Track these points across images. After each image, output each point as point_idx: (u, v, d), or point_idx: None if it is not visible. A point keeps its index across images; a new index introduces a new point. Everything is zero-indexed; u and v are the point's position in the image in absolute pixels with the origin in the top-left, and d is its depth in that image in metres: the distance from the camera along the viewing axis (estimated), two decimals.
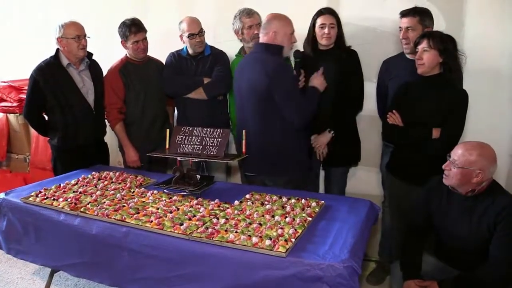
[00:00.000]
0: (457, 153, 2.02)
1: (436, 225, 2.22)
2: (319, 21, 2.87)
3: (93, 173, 2.88)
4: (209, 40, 3.28)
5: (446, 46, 2.39)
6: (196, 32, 3.08)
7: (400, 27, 2.77)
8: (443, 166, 2.09)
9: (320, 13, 2.89)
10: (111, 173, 2.88)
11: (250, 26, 3.07)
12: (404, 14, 2.74)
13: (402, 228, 2.52)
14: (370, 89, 3.09)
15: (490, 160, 1.99)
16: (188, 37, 3.08)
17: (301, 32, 2.94)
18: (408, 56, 2.79)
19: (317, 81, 2.71)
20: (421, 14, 2.69)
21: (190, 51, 3.18)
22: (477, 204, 2.05)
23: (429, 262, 2.24)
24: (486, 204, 2.02)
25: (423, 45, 2.41)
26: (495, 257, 1.97)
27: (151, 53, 3.28)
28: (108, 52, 3.34)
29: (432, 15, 2.74)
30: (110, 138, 3.41)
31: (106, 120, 3.29)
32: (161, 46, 3.36)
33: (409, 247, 2.25)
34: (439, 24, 2.93)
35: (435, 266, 2.23)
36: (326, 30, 2.85)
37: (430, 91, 2.45)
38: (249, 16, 3.08)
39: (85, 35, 3.04)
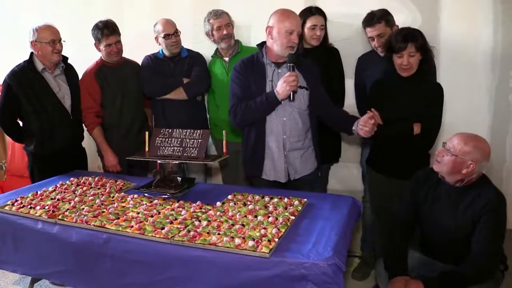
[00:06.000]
0: (453, 141, 2.02)
1: (422, 217, 2.21)
2: (309, 21, 2.85)
3: (72, 179, 2.82)
4: (186, 41, 3.25)
5: (424, 44, 2.41)
6: (171, 32, 3.05)
7: (370, 37, 2.79)
8: (436, 153, 2.09)
9: (311, 13, 2.87)
10: (90, 178, 2.83)
11: (218, 27, 3.06)
12: (368, 24, 2.75)
13: (383, 222, 2.52)
14: (349, 85, 3.10)
15: (483, 154, 1.98)
16: (164, 37, 3.06)
17: None
18: (381, 54, 2.80)
19: (280, 86, 2.39)
20: (384, 17, 2.71)
21: (166, 53, 3.15)
22: (464, 196, 2.05)
23: (414, 257, 2.23)
24: (472, 196, 2.03)
25: (410, 50, 2.37)
26: (476, 251, 1.98)
27: (126, 55, 3.23)
28: (84, 55, 3.28)
29: (390, 12, 2.76)
30: (88, 142, 3.35)
31: (83, 125, 3.23)
32: (137, 49, 3.32)
33: (394, 244, 2.22)
34: (416, 20, 2.96)
35: (420, 261, 2.23)
36: (317, 32, 2.87)
37: (407, 86, 2.47)
38: (217, 17, 3.07)
39: (60, 40, 2.97)
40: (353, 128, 2.47)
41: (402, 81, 2.48)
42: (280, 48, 2.44)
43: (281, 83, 2.38)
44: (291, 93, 2.40)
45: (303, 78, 2.52)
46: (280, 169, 2.57)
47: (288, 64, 2.41)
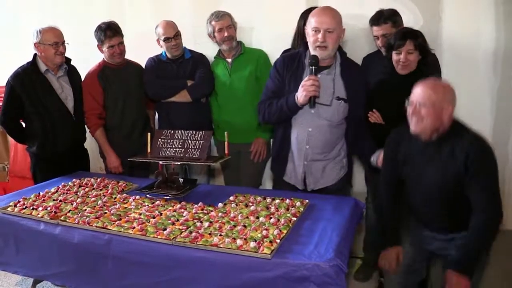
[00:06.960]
0: (420, 95, 1.92)
1: (406, 179, 2.14)
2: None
3: (74, 180, 2.82)
4: (187, 42, 3.25)
5: (423, 44, 2.42)
6: (171, 35, 3.05)
7: (375, 35, 2.79)
8: (409, 114, 1.98)
9: None
10: (92, 179, 2.83)
11: (220, 29, 3.05)
12: (375, 22, 2.76)
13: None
14: None
15: (453, 94, 1.94)
16: (164, 40, 3.06)
17: (276, 32, 2.92)
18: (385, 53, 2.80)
19: (301, 89, 2.27)
20: (391, 18, 2.71)
21: (169, 55, 3.16)
22: (442, 147, 1.96)
23: (406, 251, 2.18)
24: (450, 145, 1.94)
25: (408, 47, 2.38)
26: (481, 206, 1.89)
27: (127, 56, 3.22)
28: (84, 55, 3.28)
29: (399, 13, 2.76)
30: (91, 144, 3.36)
31: (86, 126, 3.23)
32: (137, 49, 3.32)
33: (385, 212, 2.15)
34: (417, 20, 2.95)
35: (413, 253, 2.18)
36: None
37: (407, 85, 2.46)
38: (218, 19, 3.06)
39: (63, 42, 2.98)
40: (372, 159, 2.45)
41: (401, 79, 2.49)
42: (311, 48, 2.31)
43: (300, 87, 2.29)
44: (312, 98, 2.28)
45: (344, 88, 2.40)
46: (298, 176, 2.55)
47: (310, 67, 2.28)
